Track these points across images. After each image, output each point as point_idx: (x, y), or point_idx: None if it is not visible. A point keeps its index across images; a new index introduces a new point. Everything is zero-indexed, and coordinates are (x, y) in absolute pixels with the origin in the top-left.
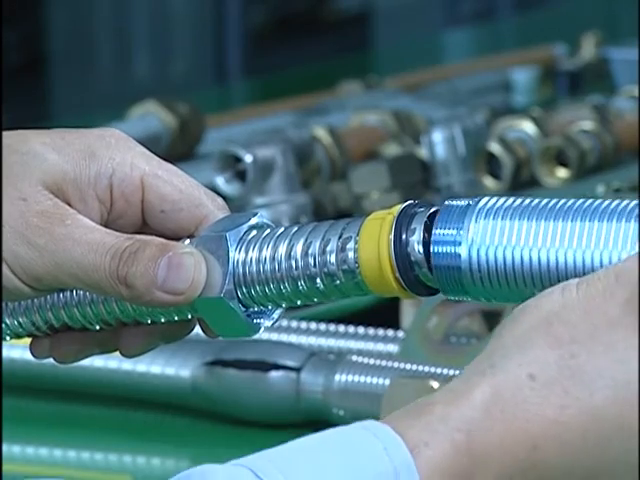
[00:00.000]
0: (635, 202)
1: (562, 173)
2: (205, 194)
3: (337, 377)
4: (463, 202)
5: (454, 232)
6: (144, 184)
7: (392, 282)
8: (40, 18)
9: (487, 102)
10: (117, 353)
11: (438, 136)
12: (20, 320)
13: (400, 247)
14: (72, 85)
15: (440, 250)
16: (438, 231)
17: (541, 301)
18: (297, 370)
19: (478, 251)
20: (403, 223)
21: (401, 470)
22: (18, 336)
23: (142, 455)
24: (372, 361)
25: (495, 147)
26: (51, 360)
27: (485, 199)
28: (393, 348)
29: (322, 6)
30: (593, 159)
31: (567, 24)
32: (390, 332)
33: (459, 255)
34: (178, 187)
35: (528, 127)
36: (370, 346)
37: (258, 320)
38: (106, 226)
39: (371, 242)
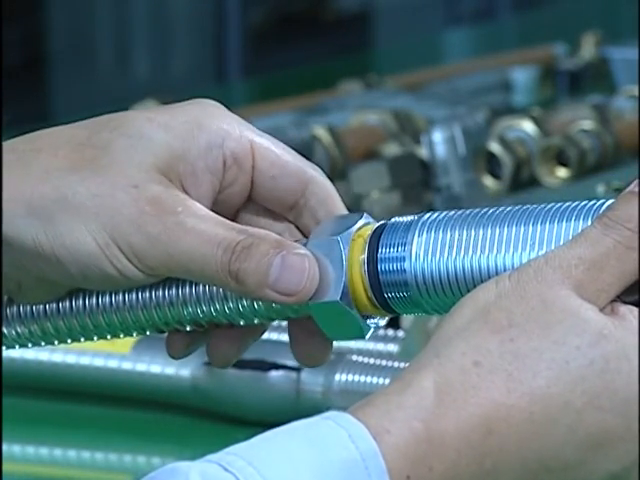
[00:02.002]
0: (569, 204)
1: (562, 173)
2: (302, 160)
3: (337, 377)
4: (407, 218)
5: (399, 248)
6: (254, 150)
7: (365, 302)
8: (40, 18)
9: (487, 102)
10: (116, 352)
11: (438, 136)
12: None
13: (372, 267)
14: (72, 85)
15: (386, 268)
16: (384, 249)
17: (477, 294)
18: (297, 370)
19: (422, 265)
20: (373, 243)
21: (367, 456)
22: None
23: (142, 455)
24: (372, 361)
25: (495, 147)
26: (51, 359)
27: (428, 214)
28: (393, 348)
29: (322, 6)
30: (593, 159)
31: (567, 24)
32: (390, 332)
33: (404, 270)
34: (283, 153)
35: (528, 127)
36: (370, 346)
37: (368, 321)
38: (218, 196)
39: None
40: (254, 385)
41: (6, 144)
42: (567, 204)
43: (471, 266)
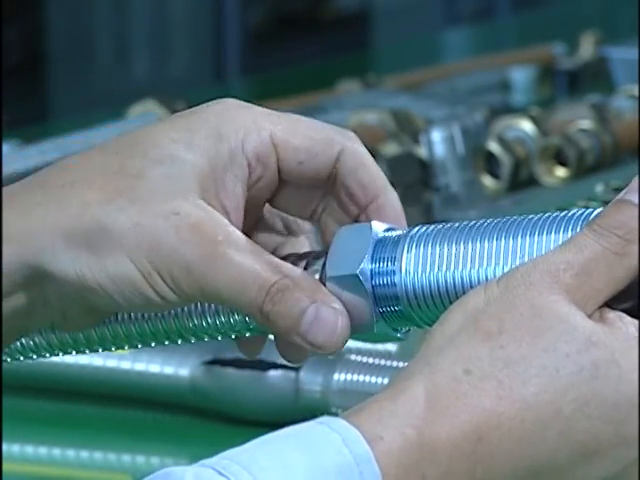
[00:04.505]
0: (557, 213)
1: (561, 172)
2: (332, 130)
3: (336, 376)
4: (396, 233)
5: (388, 263)
6: (275, 143)
7: None
8: (40, 17)
9: (486, 101)
10: (115, 352)
11: (437, 135)
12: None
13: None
14: (72, 84)
15: (377, 282)
16: (374, 264)
17: (466, 301)
18: (296, 369)
19: (412, 279)
20: None
21: (361, 461)
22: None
23: (141, 454)
24: (371, 360)
25: (494, 146)
26: (51, 359)
27: (417, 228)
28: (392, 347)
29: (321, 5)
30: (592, 158)
31: (566, 23)
32: None
33: (395, 284)
34: (306, 134)
35: (527, 126)
36: (369, 345)
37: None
38: (247, 194)
39: None
40: (253, 385)
41: (34, 179)
42: (555, 214)
43: (461, 279)
